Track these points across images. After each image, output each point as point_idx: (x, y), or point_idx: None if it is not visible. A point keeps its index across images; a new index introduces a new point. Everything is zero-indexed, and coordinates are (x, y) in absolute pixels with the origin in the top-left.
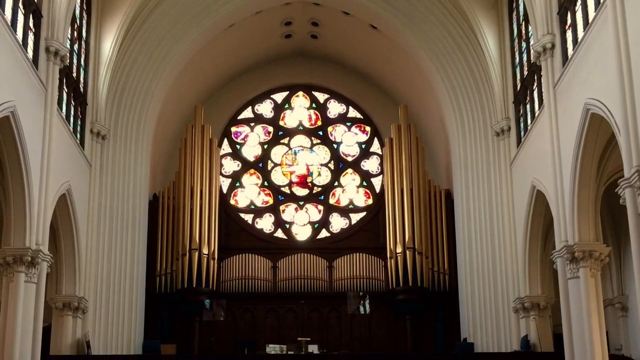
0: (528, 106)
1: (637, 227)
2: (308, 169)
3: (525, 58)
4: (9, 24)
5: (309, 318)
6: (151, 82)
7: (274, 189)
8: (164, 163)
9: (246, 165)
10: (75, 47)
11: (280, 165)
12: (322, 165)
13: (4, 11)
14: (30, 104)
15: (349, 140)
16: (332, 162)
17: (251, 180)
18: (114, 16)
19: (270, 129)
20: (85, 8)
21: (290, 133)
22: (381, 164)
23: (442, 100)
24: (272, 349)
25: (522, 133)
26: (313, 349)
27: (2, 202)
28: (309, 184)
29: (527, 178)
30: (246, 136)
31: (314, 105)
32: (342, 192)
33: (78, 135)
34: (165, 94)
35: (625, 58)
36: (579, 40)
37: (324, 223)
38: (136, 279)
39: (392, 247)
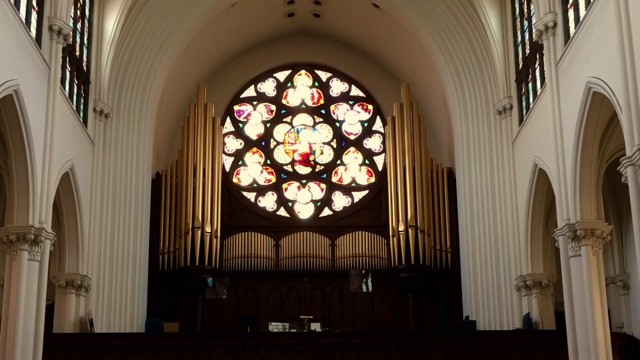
0: (530, 85)
1: (638, 206)
2: (310, 148)
3: (527, 36)
4: (12, 2)
5: (312, 296)
6: (154, 61)
7: (277, 167)
8: (167, 141)
9: (249, 144)
10: (79, 25)
11: (282, 143)
12: (324, 143)
13: None
14: (33, 83)
15: (352, 118)
16: (334, 140)
17: (254, 159)
18: None
19: (273, 107)
20: None
21: (293, 111)
22: (383, 143)
23: (445, 79)
24: (275, 326)
25: (524, 111)
26: (315, 327)
27: (5, 180)
28: (312, 163)
29: (529, 156)
30: (249, 115)
31: (316, 83)
32: (345, 170)
33: (81, 114)
34: (168, 72)
35: (627, 36)
36: (580, 18)
37: (326, 201)
38: (139, 257)
39: (394, 225)
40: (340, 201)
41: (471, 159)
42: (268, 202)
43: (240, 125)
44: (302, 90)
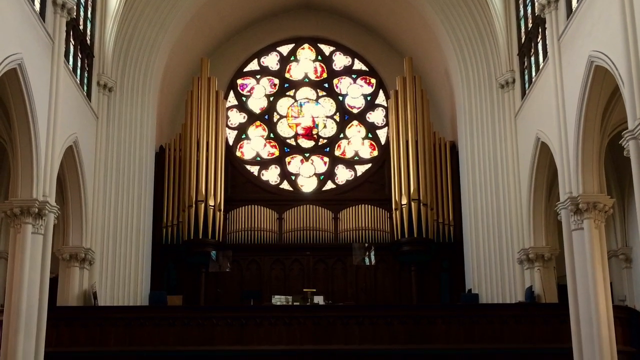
0: (532, 58)
1: None
2: (313, 121)
3: (529, 10)
4: None
5: (315, 269)
6: (157, 35)
7: (280, 141)
8: (171, 115)
9: (252, 117)
10: None
11: (285, 117)
12: (327, 117)
13: None
14: (37, 57)
15: (355, 92)
16: (337, 114)
17: (257, 132)
18: None
19: (276, 81)
20: None
21: (296, 85)
22: (386, 116)
23: (447, 53)
24: (278, 299)
25: (527, 85)
26: (318, 300)
27: (9, 153)
28: (315, 136)
29: (531, 130)
30: (252, 88)
31: (319, 57)
32: (348, 144)
33: (85, 88)
34: (172, 46)
35: (629, 10)
36: None
37: (329, 175)
38: (142, 231)
39: (397, 198)
40: (343, 174)
41: (474, 132)
42: (271, 175)
43: (244, 98)
44: (305, 64)
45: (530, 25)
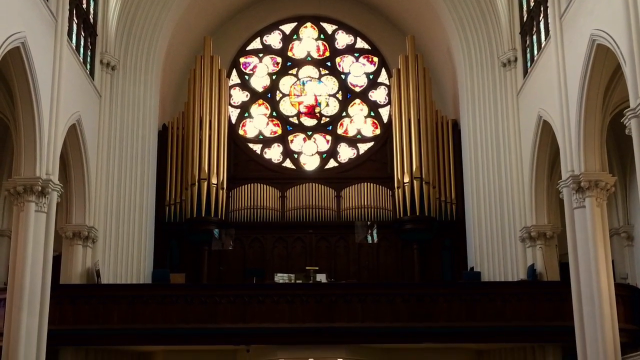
0: (534, 37)
1: None
2: (316, 100)
3: None
4: None
5: (317, 247)
6: (160, 13)
7: (283, 119)
8: (173, 93)
9: (255, 96)
10: None
11: (288, 95)
12: (330, 95)
13: None
14: (40, 35)
15: (357, 70)
16: (340, 92)
17: (260, 111)
18: None
19: (279, 59)
20: None
21: (299, 64)
22: (389, 95)
23: (449, 31)
24: (281, 277)
25: (529, 64)
26: (321, 277)
27: (12, 132)
28: (317, 114)
29: (533, 108)
30: (255, 67)
31: (322, 36)
32: (350, 122)
33: (88, 66)
34: (175, 24)
35: None
36: None
37: (332, 153)
38: (145, 209)
39: (399, 176)
40: (345, 153)
41: (476, 111)
42: (274, 153)
43: (246, 77)
44: (307, 43)
45: (532, 3)
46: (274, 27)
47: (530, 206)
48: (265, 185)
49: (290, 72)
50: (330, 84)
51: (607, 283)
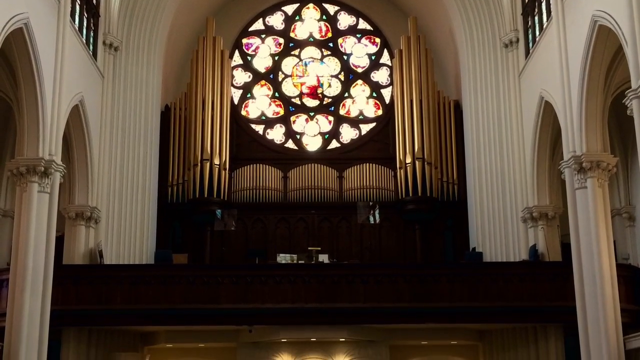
0: (536, 18)
1: None
2: (318, 80)
3: None
4: None
5: (320, 228)
6: None
7: (285, 100)
8: (176, 74)
9: (257, 77)
10: None
11: (290, 76)
12: (332, 76)
13: None
14: (43, 16)
15: (359, 51)
16: (342, 73)
17: (262, 92)
18: None
19: (281, 40)
20: None
21: (301, 45)
22: (391, 75)
23: (451, 12)
24: (283, 258)
25: (531, 45)
26: (323, 258)
27: (15, 113)
28: (320, 95)
29: (535, 89)
30: (257, 48)
31: (324, 17)
32: (352, 103)
33: (90, 47)
34: (177, 5)
35: None
36: None
37: (334, 134)
38: (148, 189)
39: (401, 157)
40: (347, 133)
41: (478, 91)
42: (276, 134)
43: (249, 58)
44: (310, 24)
45: None
46: (276, 8)
47: (532, 187)
48: (267, 166)
49: (292, 53)
50: (333, 64)
51: (608, 263)
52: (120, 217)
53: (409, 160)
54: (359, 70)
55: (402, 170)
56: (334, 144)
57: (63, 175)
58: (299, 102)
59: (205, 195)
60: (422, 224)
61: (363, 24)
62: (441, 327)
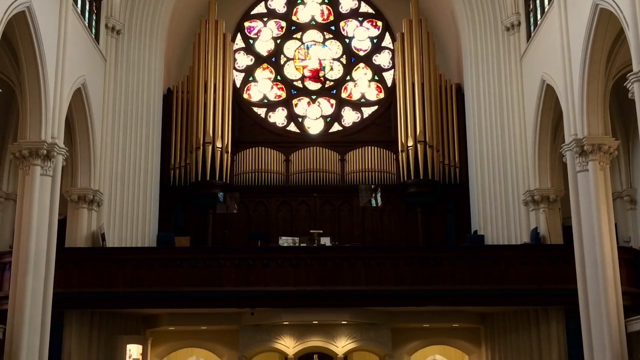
0: (538, 1)
1: None
2: (320, 64)
3: None
4: None
5: (322, 211)
6: None
7: (287, 83)
8: (178, 58)
9: (259, 60)
10: None
11: (293, 59)
12: (334, 59)
13: None
14: (45, 0)
15: (361, 35)
16: (344, 56)
17: (264, 75)
18: None
19: (283, 23)
20: None
21: (303, 28)
22: (393, 59)
23: None
24: (285, 241)
25: (532, 28)
26: (325, 241)
27: (18, 96)
28: (321, 78)
29: (537, 72)
30: (259, 31)
31: (326, 0)
32: (354, 86)
33: (93, 30)
34: None
35: None
36: None
37: (336, 117)
38: (150, 172)
39: (403, 140)
40: (349, 117)
41: (479, 75)
42: (278, 117)
43: (251, 41)
44: (311, 7)
45: None
46: None
47: (534, 170)
48: (269, 149)
49: (294, 36)
50: (335, 48)
51: (610, 246)
52: (122, 200)
53: (410, 143)
54: (361, 53)
55: (403, 153)
56: (335, 127)
57: (65, 158)
58: (301, 85)
59: (208, 178)
60: (424, 207)
61: (365, 7)
62: (443, 310)
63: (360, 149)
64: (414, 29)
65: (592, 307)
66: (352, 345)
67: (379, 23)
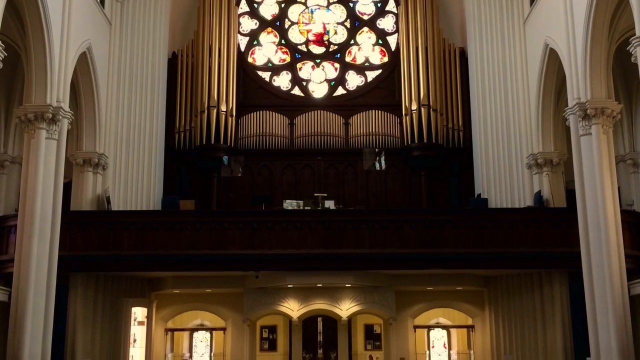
0: None
1: None
2: (324, 28)
3: None
4: None
5: (326, 174)
6: None
7: (291, 47)
8: (183, 22)
9: (264, 24)
10: None
11: (297, 23)
12: (338, 23)
13: None
14: None
15: None
16: (348, 20)
17: (268, 39)
18: None
19: None
20: None
21: None
22: (396, 23)
23: None
24: (289, 204)
25: None
26: (329, 204)
27: (23, 60)
28: (326, 42)
29: (540, 36)
30: None
31: None
32: (358, 50)
33: None
34: None
35: None
36: None
37: (340, 80)
38: (155, 136)
39: (407, 104)
40: (353, 80)
41: (483, 39)
42: (282, 81)
43: (255, 5)
44: None
45: None
46: None
47: (537, 133)
48: (274, 113)
49: (298, 0)
50: (339, 12)
51: (613, 210)
52: (127, 164)
53: (414, 107)
54: (365, 17)
55: (407, 117)
56: (339, 91)
57: (71, 122)
58: (305, 49)
59: (212, 142)
60: (428, 171)
61: None
62: (446, 273)
63: (364, 113)
64: None
65: (595, 270)
66: (356, 308)
67: None
